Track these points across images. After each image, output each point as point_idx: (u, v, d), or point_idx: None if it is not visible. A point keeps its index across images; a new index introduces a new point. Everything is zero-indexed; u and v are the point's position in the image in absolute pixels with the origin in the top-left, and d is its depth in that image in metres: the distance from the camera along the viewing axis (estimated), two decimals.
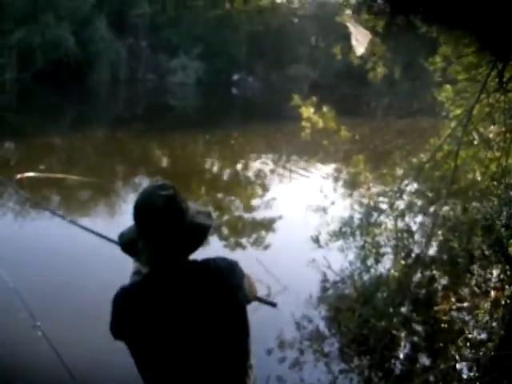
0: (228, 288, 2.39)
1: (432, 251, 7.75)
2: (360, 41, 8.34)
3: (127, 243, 2.39)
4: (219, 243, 9.75)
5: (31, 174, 7.09)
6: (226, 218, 11.79)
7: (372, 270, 7.30)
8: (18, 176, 6.61)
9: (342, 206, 9.20)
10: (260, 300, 2.69)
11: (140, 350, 2.36)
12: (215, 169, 17.49)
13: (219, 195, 13.99)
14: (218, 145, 21.20)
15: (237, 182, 15.52)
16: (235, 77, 50.69)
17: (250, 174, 16.39)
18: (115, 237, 2.55)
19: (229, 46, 47.70)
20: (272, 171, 16.68)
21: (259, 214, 11.62)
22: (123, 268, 2.93)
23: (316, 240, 8.22)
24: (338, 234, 7.87)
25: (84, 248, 7.31)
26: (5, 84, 34.10)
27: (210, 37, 47.30)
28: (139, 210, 2.32)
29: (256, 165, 17.47)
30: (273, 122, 25.82)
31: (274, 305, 2.83)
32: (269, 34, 49.80)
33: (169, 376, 2.36)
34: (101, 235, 3.62)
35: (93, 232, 3.82)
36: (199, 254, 2.48)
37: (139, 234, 2.32)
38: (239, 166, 17.56)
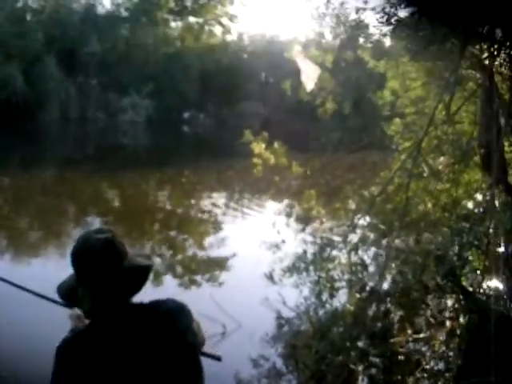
0: (177, 329, 2.31)
1: (386, 284, 7.76)
2: (310, 76, 8.42)
3: (67, 292, 2.31)
4: (173, 282, 9.64)
5: None
6: (179, 256, 11.69)
7: (327, 305, 7.26)
8: None
9: (296, 242, 9.18)
10: (203, 354, 2.56)
11: None
12: (167, 208, 17.37)
13: (172, 234, 13.88)
14: (170, 183, 21.14)
15: (189, 220, 15.42)
16: (186, 114, 50.88)
17: (203, 212, 16.32)
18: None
19: (179, 84, 47.89)
20: (224, 209, 16.65)
21: (213, 253, 11.54)
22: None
23: (270, 277, 8.17)
24: (292, 270, 7.84)
25: None
26: None
27: (160, 75, 47.49)
28: (77, 255, 2.24)
29: (208, 203, 17.43)
30: (224, 158, 25.89)
31: (218, 359, 2.68)
32: (220, 72, 50.23)
33: None
34: (37, 294, 3.37)
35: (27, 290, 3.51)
36: (151, 295, 2.41)
37: (78, 279, 2.24)
38: (191, 205, 17.49)
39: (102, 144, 33.93)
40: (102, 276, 2.18)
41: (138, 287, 2.29)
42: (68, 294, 2.30)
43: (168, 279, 9.70)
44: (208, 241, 12.95)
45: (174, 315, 2.34)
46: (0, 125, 33.39)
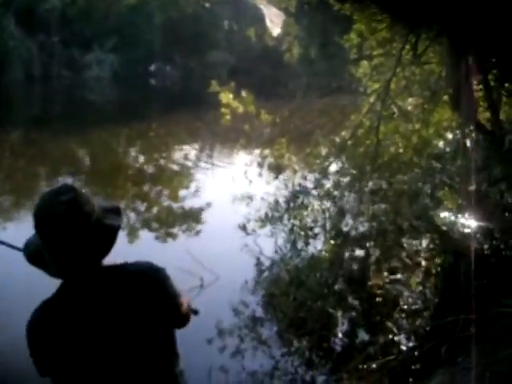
0: (153, 286, 2.23)
1: (361, 227, 7.79)
2: (275, 22, 8.32)
3: (33, 254, 2.17)
4: (149, 236, 9.60)
5: None
6: (153, 211, 11.63)
7: (303, 252, 7.28)
8: None
9: (269, 191, 9.16)
10: None
11: (67, 371, 2.17)
12: (138, 162, 17.21)
13: (144, 189, 13.76)
14: (139, 138, 20.94)
15: (161, 174, 15.31)
16: (152, 67, 50.19)
17: (173, 165, 16.19)
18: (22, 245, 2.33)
19: (144, 36, 47.09)
20: (196, 161, 16.55)
21: (186, 205, 11.49)
22: None
23: (243, 228, 8.14)
24: (266, 220, 7.82)
25: None
26: None
27: (124, 28, 46.56)
28: (39, 221, 2.08)
29: (179, 155, 17.31)
30: (193, 110, 25.67)
31: (195, 312, 2.66)
32: (184, 21, 49.42)
33: None
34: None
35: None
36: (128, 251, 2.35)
37: (43, 244, 2.10)
38: (162, 158, 17.35)
39: (68, 102, 33.43)
40: (68, 242, 2.05)
41: (107, 249, 2.16)
42: (34, 257, 2.16)
43: (143, 234, 9.65)
44: (181, 194, 12.90)
45: (147, 273, 2.24)
46: None
